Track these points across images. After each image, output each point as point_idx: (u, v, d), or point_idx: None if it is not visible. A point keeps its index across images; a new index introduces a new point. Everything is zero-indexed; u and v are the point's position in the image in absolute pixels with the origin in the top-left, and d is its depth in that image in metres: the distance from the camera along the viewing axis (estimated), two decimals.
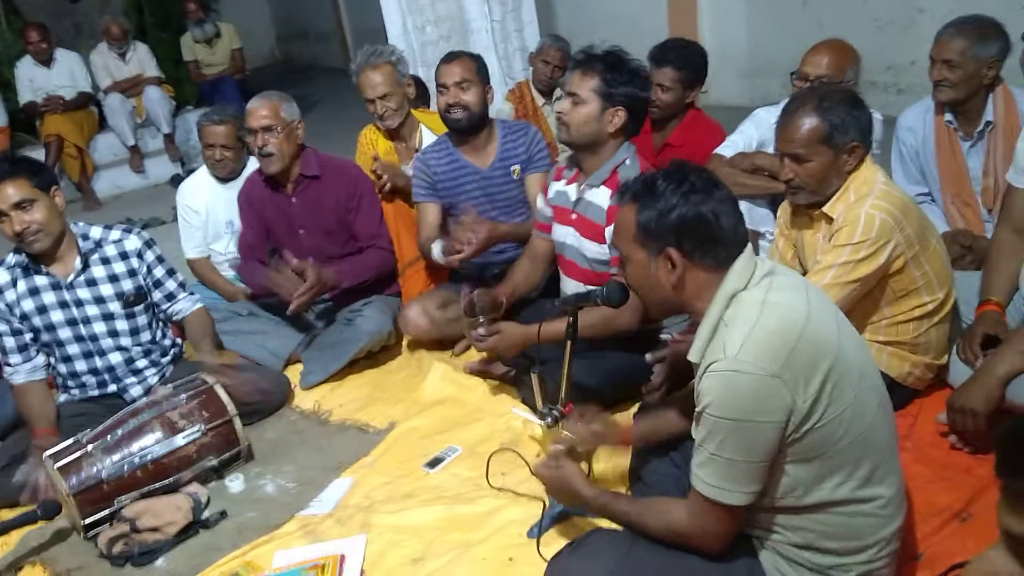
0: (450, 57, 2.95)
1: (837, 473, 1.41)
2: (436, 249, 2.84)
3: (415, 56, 4.63)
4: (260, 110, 2.87)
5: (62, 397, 2.60)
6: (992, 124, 2.58)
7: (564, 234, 2.52)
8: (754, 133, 2.85)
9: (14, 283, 2.46)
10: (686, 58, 3.07)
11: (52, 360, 2.56)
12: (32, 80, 6.05)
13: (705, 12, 5.98)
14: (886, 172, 2.14)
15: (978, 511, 1.88)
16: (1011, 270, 2.21)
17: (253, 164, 3.18)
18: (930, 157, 2.73)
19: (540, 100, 4.22)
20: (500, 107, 4.12)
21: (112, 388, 2.60)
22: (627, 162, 2.37)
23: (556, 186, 2.57)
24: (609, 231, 2.30)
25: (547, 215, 2.61)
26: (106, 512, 2.22)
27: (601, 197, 2.37)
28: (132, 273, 2.57)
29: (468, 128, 2.87)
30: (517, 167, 2.92)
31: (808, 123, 1.98)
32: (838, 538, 1.45)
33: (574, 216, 2.46)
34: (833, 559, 1.46)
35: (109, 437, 2.27)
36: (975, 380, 1.99)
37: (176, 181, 6.04)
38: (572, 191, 2.47)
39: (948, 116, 2.65)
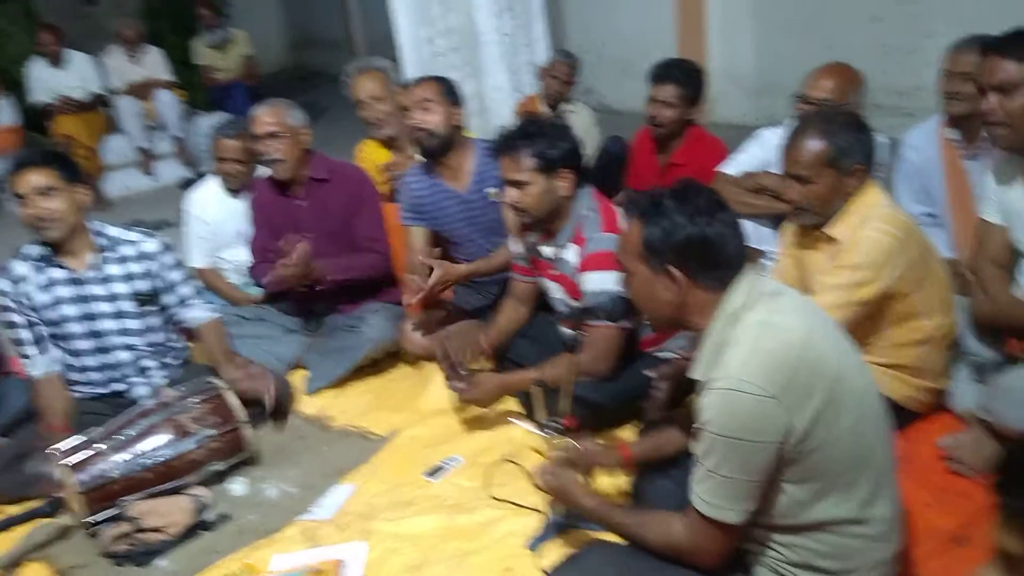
0: (415, 80, 2.95)
1: (835, 494, 1.42)
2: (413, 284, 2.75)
3: (425, 67, 4.66)
4: (265, 117, 2.91)
5: None
6: None
7: (550, 287, 2.52)
8: (758, 153, 2.87)
9: (31, 275, 2.50)
10: (687, 75, 3.12)
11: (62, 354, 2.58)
12: (43, 80, 6.08)
13: (714, 31, 6.01)
14: (890, 194, 2.16)
15: (975, 535, 1.88)
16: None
17: (262, 173, 3.21)
18: (935, 175, 2.75)
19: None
20: (505, 123, 4.14)
21: (118, 387, 2.62)
22: (587, 213, 2.35)
23: (531, 236, 2.51)
24: (582, 278, 2.31)
25: (524, 260, 2.58)
26: (112, 511, 2.23)
27: (572, 255, 2.36)
28: (147, 275, 2.59)
29: (436, 151, 2.83)
30: (494, 189, 2.83)
31: (814, 146, 2.01)
32: (834, 558, 1.47)
33: (555, 272, 2.45)
34: None
35: (120, 436, 2.29)
36: None
37: (185, 184, 6.08)
38: (547, 249, 2.45)
39: (953, 133, 2.67)
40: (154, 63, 6.48)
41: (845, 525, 1.44)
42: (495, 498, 2.23)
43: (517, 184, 2.31)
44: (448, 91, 2.85)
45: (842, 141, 2.00)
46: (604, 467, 1.95)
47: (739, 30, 5.86)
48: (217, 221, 3.36)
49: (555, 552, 1.93)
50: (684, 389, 2.25)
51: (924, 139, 2.77)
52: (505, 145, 2.33)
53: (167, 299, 2.65)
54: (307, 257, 2.80)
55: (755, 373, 1.35)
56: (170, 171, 6.55)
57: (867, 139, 2.05)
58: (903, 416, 2.20)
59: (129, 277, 2.56)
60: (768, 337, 1.39)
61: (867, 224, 2.01)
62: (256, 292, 3.34)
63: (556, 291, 2.50)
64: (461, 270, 2.79)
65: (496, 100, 4.86)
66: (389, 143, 3.37)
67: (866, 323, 2.10)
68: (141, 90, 6.37)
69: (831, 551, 1.46)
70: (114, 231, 2.59)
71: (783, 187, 2.16)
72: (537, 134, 2.29)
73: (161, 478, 2.29)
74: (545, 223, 2.40)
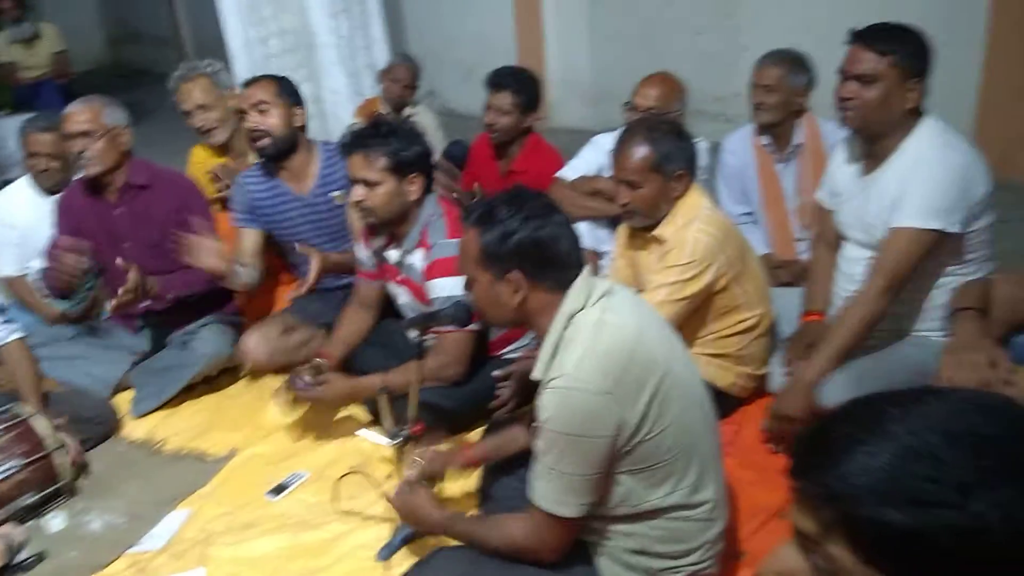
0: (249, 81, 2.86)
1: (667, 482, 1.50)
2: (242, 274, 2.69)
3: (258, 69, 4.46)
4: (78, 115, 2.70)
5: None
6: (801, 146, 2.82)
7: (397, 292, 2.50)
8: (593, 158, 2.98)
9: None
10: (522, 83, 3.18)
11: None
12: None
13: (551, 39, 6.18)
14: (712, 196, 2.32)
15: None
16: (829, 282, 2.42)
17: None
18: (750, 178, 2.97)
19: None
20: (351, 123, 4.07)
21: None
22: (433, 219, 2.35)
23: (376, 241, 2.48)
24: (429, 284, 2.32)
25: (370, 264, 2.55)
26: None
27: (418, 259, 2.37)
28: None
29: (277, 154, 2.75)
30: (339, 192, 2.77)
31: (640, 152, 2.12)
32: (669, 541, 1.54)
33: (401, 277, 2.44)
34: (665, 563, 1.55)
35: None
36: (791, 388, 2.16)
37: None
38: (393, 254, 2.43)
39: (764, 139, 2.89)
40: None
41: (677, 510, 1.52)
42: (343, 511, 2.17)
43: (366, 183, 2.27)
44: (286, 90, 2.76)
45: (665, 148, 2.13)
46: (449, 470, 1.95)
47: (575, 38, 6.06)
48: (28, 225, 3.07)
49: (406, 561, 1.91)
50: (531, 389, 2.30)
51: (740, 144, 2.99)
52: (357, 143, 2.29)
53: None
54: (141, 279, 2.62)
55: (589, 371, 1.40)
56: None
57: (688, 147, 2.19)
58: (728, 402, 2.35)
59: None
60: (602, 336, 1.44)
61: (691, 225, 2.15)
62: (62, 305, 3.07)
63: (403, 296, 2.47)
64: (334, 258, 2.70)
65: (335, 103, 4.75)
66: (223, 148, 3.22)
67: (693, 317, 2.23)
68: None
69: (666, 535, 1.54)
70: None
71: (616, 190, 2.25)
72: (391, 135, 2.27)
73: None
74: (391, 227, 2.38)
